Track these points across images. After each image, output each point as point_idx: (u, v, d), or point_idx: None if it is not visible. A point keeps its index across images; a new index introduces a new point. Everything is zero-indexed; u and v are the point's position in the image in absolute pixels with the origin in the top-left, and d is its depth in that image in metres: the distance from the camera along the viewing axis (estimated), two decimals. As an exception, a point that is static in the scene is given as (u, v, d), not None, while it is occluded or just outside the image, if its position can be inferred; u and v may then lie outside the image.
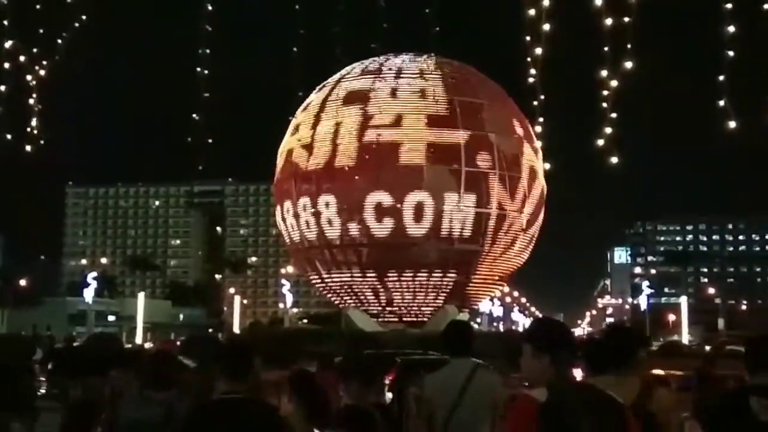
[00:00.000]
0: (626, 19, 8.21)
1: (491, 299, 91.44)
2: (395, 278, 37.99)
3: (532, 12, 8.26)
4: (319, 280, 42.25)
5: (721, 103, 9.17)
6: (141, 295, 66.75)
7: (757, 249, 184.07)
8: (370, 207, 37.52)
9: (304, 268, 43.52)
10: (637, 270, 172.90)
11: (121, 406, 5.65)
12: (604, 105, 8.51)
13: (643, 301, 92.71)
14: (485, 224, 38.24)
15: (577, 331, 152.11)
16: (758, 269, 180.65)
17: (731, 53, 9.30)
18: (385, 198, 37.39)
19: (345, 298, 40.83)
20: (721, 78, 9.23)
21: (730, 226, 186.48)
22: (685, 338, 64.88)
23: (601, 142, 8.49)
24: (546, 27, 8.25)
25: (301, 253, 41.79)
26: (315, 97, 40.23)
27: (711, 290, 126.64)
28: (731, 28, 9.12)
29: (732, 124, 9.12)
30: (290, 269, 78.63)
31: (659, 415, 4.95)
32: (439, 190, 37.47)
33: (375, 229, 37.57)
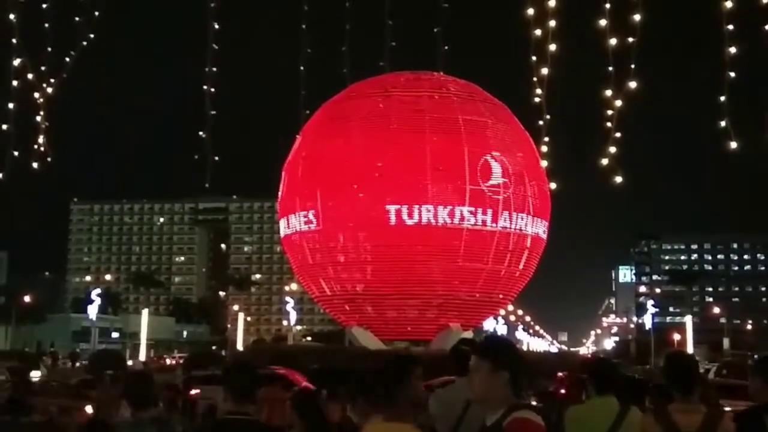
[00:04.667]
0: (630, 40, 8.25)
1: (495, 318, 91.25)
2: (399, 296, 37.92)
3: (538, 32, 8.30)
4: (322, 298, 42.25)
5: (723, 123, 9.19)
6: (145, 312, 66.64)
7: (763, 268, 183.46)
8: (374, 224, 37.54)
9: (308, 285, 43.51)
10: (642, 289, 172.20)
11: (116, 427, 5.67)
12: (609, 124, 8.53)
13: (648, 320, 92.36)
14: (489, 242, 38.23)
15: (582, 350, 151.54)
16: (763, 289, 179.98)
17: (732, 74, 9.33)
18: (390, 215, 37.41)
19: (348, 315, 40.79)
20: (723, 99, 9.25)
21: (735, 246, 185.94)
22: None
23: (605, 161, 8.51)
24: (552, 47, 8.28)
25: (304, 269, 41.79)
26: (319, 115, 40.31)
27: (716, 309, 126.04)
28: (732, 49, 9.15)
29: (733, 145, 9.14)
30: (294, 286, 78.58)
31: None
32: (445, 207, 37.50)
33: (379, 246, 37.57)
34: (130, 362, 49.48)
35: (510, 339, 4.11)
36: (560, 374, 19.37)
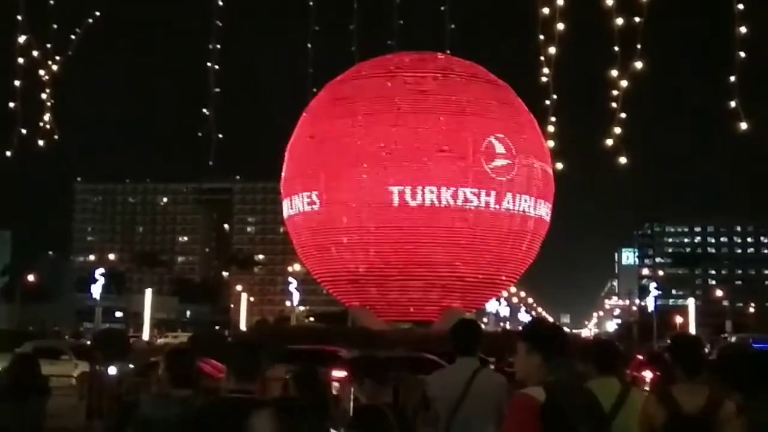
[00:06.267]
0: (637, 19, 8.19)
1: (498, 299, 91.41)
2: (402, 277, 37.94)
3: (545, 11, 8.24)
4: (325, 278, 42.29)
5: (732, 104, 9.11)
6: (148, 292, 66.71)
7: (766, 251, 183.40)
8: (377, 205, 37.52)
9: (311, 265, 43.54)
10: (645, 271, 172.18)
11: (141, 403, 5.61)
12: (614, 105, 8.48)
13: (650, 303, 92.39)
14: (493, 224, 38.23)
15: (584, 332, 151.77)
16: (766, 272, 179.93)
17: (742, 54, 9.25)
18: (393, 196, 37.40)
19: (351, 296, 40.86)
20: (732, 79, 9.17)
21: (739, 228, 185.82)
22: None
23: (610, 142, 8.47)
24: (560, 26, 8.21)
25: (307, 250, 41.84)
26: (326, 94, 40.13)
27: (719, 292, 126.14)
28: (743, 29, 9.06)
29: (743, 126, 9.06)
30: (297, 267, 78.68)
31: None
32: (448, 188, 37.47)
33: (382, 228, 37.56)
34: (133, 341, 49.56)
35: (555, 325, 4.30)
36: (639, 357, 19.38)
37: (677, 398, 4.89)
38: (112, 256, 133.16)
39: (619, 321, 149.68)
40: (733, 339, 52.14)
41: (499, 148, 38.21)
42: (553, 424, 3.52)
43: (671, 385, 5.06)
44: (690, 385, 4.96)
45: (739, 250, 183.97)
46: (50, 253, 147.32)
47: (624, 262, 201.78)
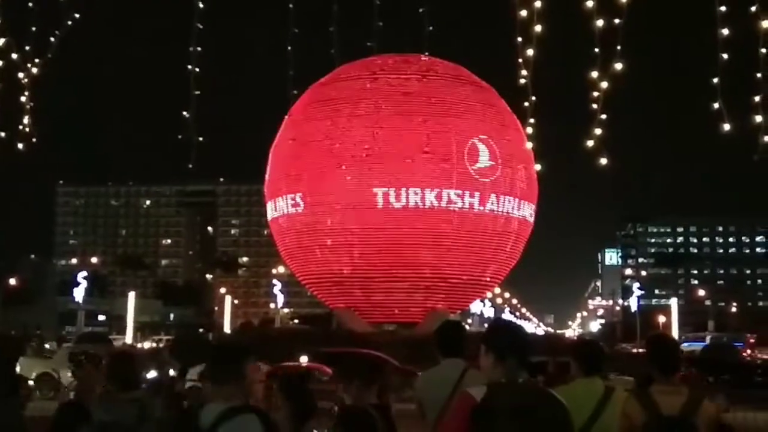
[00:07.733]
0: (617, 21, 8.24)
1: (482, 300, 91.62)
2: (386, 279, 37.96)
3: (524, 13, 8.28)
4: (309, 280, 42.24)
5: (715, 105, 9.17)
6: (131, 295, 66.34)
7: (747, 251, 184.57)
8: (361, 206, 37.52)
9: (295, 268, 43.48)
10: (628, 272, 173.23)
11: (92, 408, 5.62)
12: (595, 106, 8.52)
13: (633, 303, 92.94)
14: (477, 225, 38.31)
15: (568, 333, 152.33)
16: (748, 271, 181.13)
17: (725, 55, 9.31)
18: (377, 197, 37.40)
19: (336, 297, 40.82)
20: (715, 80, 9.23)
21: (721, 228, 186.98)
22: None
23: (591, 143, 8.50)
24: (538, 28, 8.25)
25: (292, 252, 41.78)
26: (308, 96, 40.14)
27: (701, 292, 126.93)
28: (725, 30, 9.13)
29: (726, 127, 9.13)
30: (281, 269, 78.54)
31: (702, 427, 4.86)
32: (432, 190, 37.52)
33: (366, 229, 37.56)
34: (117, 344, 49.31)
35: (511, 324, 4.31)
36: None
37: (656, 399, 4.88)
38: (94, 259, 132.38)
39: (602, 321, 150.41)
40: (708, 338, 52.46)
41: (483, 150, 38.31)
42: (478, 421, 3.58)
43: (650, 386, 5.06)
44: (668, 385, 4.96)
45: (721, 250, 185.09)
46: (32, 256, 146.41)
47: (607, 262, 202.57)
